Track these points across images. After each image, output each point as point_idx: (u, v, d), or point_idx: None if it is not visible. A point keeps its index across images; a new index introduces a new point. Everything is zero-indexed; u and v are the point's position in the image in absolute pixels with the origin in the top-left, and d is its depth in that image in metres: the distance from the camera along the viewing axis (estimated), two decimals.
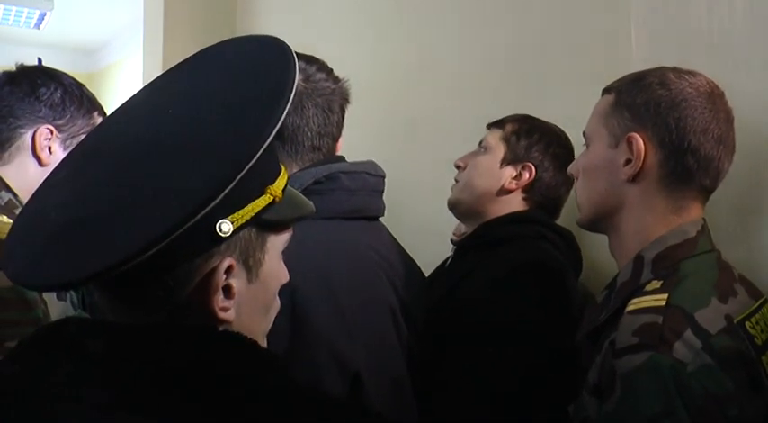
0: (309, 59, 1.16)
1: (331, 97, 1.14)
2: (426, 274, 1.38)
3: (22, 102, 1.25)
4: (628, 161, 1.04)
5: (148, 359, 0.56)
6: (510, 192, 1.44)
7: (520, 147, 1.45)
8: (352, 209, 1.12)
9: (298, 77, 0.63)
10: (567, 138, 1.50)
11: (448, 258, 1.55)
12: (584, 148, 1.14)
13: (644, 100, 1.03)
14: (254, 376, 0.60)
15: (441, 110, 1.97)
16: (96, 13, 4.90)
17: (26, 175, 1.25)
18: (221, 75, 0.68)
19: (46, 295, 1.16)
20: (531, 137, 1.46)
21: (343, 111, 1.18)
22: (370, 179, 1.16)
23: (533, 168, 1.44)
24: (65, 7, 4.59)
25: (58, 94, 1.27)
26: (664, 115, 1.01)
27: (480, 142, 1.52)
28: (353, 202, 1.12)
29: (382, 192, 1.21)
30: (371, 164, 1.20)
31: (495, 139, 1.49)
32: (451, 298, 1.34)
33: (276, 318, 0.75)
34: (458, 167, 1.53)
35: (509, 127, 1.48)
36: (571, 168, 1.17)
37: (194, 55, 0.72)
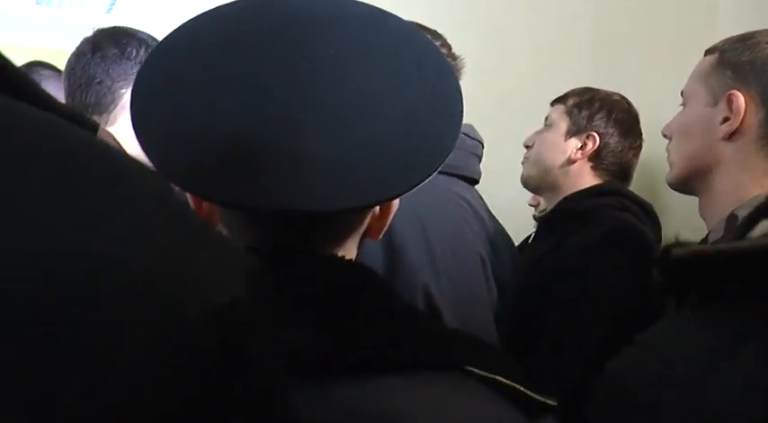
0: (434, 34, 1.20)
1: None
2: None
3: (115, 64, 1.27)
4: (726, 119, 1.03)
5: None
6: (576, 162, 1.50)
7: (582, 117, 1.51)
8: (448, 164, 1.11)
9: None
10: (629, 103, 1.55)
11: (530, 236, 1.59)
12: (681, 108, 1.15)
13: (749, 58, 1.02)
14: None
15: (516, 90, 1.96)
16: None
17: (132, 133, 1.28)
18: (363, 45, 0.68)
19: None
20: (591, 106, 1.52)
21: None
22: (467, 140, 1.19)
23: (597, 136, 1.49)
24: None
25: (143, 50, 1.30)
26: None
27: (546, 119, 1.58)
28: (450, 158, 1.12)
29: (480, 157, 1.24)
30: (470, 127, 1.23)
31: (558, 113, 1.55)
32: (540, 270, 1.37)
33: (371, 247, 0.83)
34: (527, 147, 1.60)
35: (570, 100, 1.55)
36: (665, 129, 1.17)
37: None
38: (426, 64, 0.67)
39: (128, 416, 0.26)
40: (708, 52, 1.12)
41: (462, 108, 0.67)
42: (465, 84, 1.83)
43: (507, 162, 1.66)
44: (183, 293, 0.29)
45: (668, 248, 0.39)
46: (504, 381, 0.62)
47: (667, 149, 1.16)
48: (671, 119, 1.17)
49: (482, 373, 0.62)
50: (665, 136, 1.17)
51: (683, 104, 1.14)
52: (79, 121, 0.37)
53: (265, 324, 0.34)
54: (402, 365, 0.59)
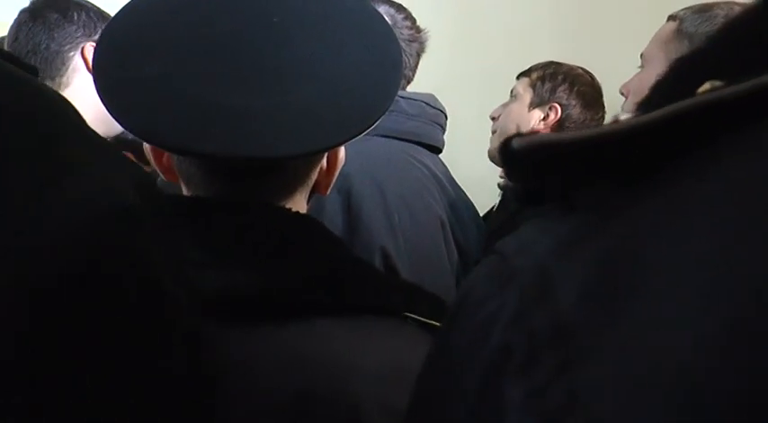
0: (399, 8, 1.24)
1: (411, 43, 1.23)
2: None
3: (59, 28, 1.27)
4: None
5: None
6: (539, 132, 1.50)
7: (545, 90, 1.58)
8: (408, 131, 1.18)
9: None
10: (593, 77, 1.61)
11: (493, 206, 1.63)
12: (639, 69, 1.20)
13: (706, 31, 1.06)
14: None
15: (490, 66, 2.01)
16: None
17: (88, 94, 1.26)
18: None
19: None
20: (555, 79, 1.59)
21: (418, 56, 1.27)
22: (428, 109, 1.22)
23: (559, 108, 1.56)
24: None
25: (84, 14, 1.30)
26: None
27: (511, 92, 1.65)
28: (410, 126, 1.19)
29: (442, 126, 1.27)
30: (431, 96, 1.26)
31: (522, 86, 1.62)
32: (499, 238, 1.37)
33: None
34: (493, 119, 1.66)
35: (535, 74, 1.61)
36: (623, 87, 1.21)
37: None
38: (369, 28, 0.71)
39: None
40: (670, 18, 1.16)
41: (401, 65, 0.71)
42: (440, 62, 1.89)
43: (478, 138, 1.69)
44: (81, 195, 0.31)
45: (508, 141, 0.28)
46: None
47: (622, 108, 1.20)
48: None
49: (421, 318, 0.64)
50: (622, 93, 1.22)
51: (642, 66, 1.18)
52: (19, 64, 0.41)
53: (158, 231, 0.36)
54: (344, 309, 0.62)
